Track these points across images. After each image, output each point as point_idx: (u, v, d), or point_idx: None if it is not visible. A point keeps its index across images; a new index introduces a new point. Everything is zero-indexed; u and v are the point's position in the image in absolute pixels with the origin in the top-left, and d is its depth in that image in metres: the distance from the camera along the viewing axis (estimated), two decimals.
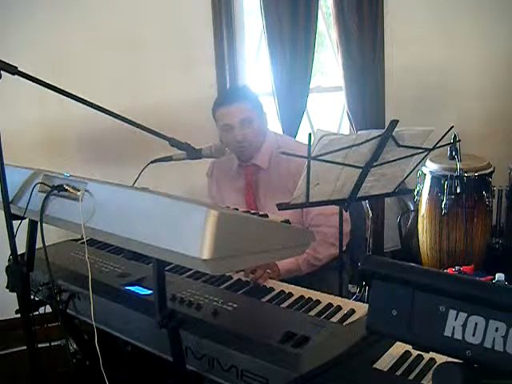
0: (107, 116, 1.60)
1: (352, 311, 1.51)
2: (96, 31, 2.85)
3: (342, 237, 1.91)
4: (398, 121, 1.66)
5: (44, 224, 1.40)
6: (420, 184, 3.20)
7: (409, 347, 1.19)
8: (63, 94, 1.52)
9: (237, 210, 1.59)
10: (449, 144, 2.93)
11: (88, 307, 1.41)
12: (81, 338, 1.91)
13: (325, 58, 3.71)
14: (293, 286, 1.72)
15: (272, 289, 1.69)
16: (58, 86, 1.50)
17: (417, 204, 3.31)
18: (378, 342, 1.31)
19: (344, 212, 1.88)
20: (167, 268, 1.70)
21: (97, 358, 1.37)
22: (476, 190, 3.08)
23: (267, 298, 1.64)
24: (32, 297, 1.60)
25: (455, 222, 3.10)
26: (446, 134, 1.79)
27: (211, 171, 2.34)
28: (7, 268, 1.54)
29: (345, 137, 1.66)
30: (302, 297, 1.62)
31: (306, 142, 1.59)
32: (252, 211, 1.61)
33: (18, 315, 1.55)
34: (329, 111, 3.83)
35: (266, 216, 1.54)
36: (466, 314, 0.91)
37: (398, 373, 1.23)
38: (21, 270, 1.51)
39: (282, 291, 1.67)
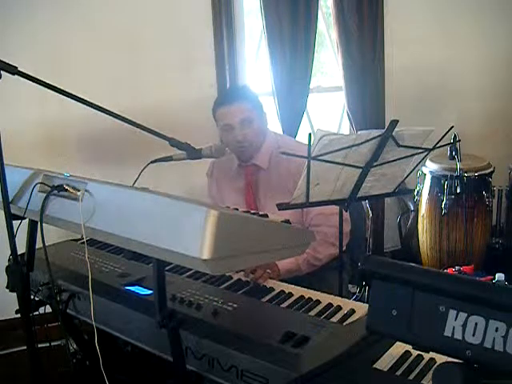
0: (107, 116, 1.60)
1: (352, 311, 1.51)
2: (96, 31, 2.85)
3: (341, 237, 1.91)
4: (397, 121, 1.66)
5: (44, 224, 1.40)
6: (420, 184, 3.20)
7: (409, 347, 1.19)
8: (63, 94, 1.52)
9: (237, 209, 1.59)
10: (449, 144, 2.93)
11: (88, 307, 1.41)
12: (81, 338, 1.91)
13: (325, 58, 3.71)
14: (293, 286, 1.72)
15: (272, 289, 1.69)
16: (58, 86, 1.50)
17: (417, 204, 3.31)
18: (377, 342, 1.31)
19: (344, 212, 1.88)
20: (167, 268, 1.70)
21: (97, 358, 1.37)
22: (476, 190, 3.08)
23: (267, 298, 1.63)
24: (32, 297, 1.60)
25: (455, 222, 3.10)
26: (446, 134, 1.79)
27: (211, 171, 2.34)
28: (7, 268, 1.54)
29: (345, 137, 1.66)
30: (301, 297, 1.62)
31: (306, 142, 1.59)
32: (252, 211, 1.61)
33: (18, 315, 1.55)
34: (329, 111, 3.83)
35: (266, 216, 1.54)
36: (466, 314, 0.91)
37: (398, 373, 1.23)
38: (21, 269, 1.51)
39: (282, 291, 1.67)
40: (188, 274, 1.77)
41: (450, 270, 2.75)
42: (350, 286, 2.30)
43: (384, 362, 1.26)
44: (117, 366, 1.66)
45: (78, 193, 1.33)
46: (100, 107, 1.57)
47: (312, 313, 1.52)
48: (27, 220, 1.54)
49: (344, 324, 1.44)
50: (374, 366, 1.25)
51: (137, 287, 1.67)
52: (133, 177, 1.81)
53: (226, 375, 1.32)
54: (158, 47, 2.99)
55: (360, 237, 2.42)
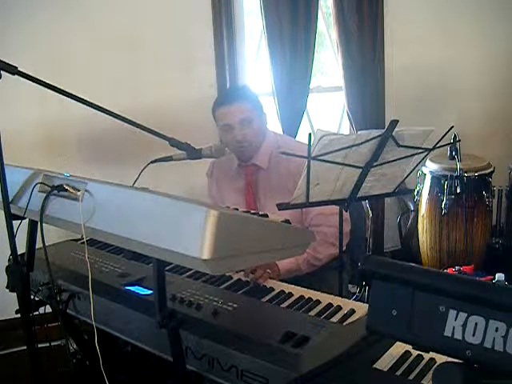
0: (107, 116, 1.60)
1: (352, 311, 1.51)
2: (96, 31, 2.85)
3: (341, 237, 1.91)
4: (397, 121, 1.66)
5: (44, 224, 1.40)
6: (420, 184, 3.20)
7: (409, 347, 1.19)
8: (63, 94, 1.52)
9: (237, 209, 1.59)
10: (449, 144, 2.93)
11: (88, 307, 1.41)
12: (81, 338, 1.91)
13: (325, 58, 3.71)
14: (293, 286, 1.72)
15: (272, 289, 1.69)
16: (58, 86, 1.50)
17: (417, 204, 3.31)
18: (377, 342, 1.31)
19: (344, 212, 1.88)
20: (167, 268, 1.70)
21: (97, 358, 1.37)
22: (476, 190, 3.08)
23: (267, 298, 1.64)
24: (32, 297, 1.60)
25: (455, 221, 3.10)
26: (446, 134, 1.79)
27: (211, 171, 2.34)
28: (7, 268, 1.54)
29: (345, 137, 1.66)
30: (301, 297, 1.62)
31: (306, 142, 1.59)
32: (252, 211, 1.61)
33: (18, 315, 1.55)
34: (329, 111, 3.83)
35: (266, 216, 1.54)
36: (466, 314, 0.91)
37: (398, 373, 1.23)
38: (21, 269, 1.51)
39: (282, 291, 1.67)
40: (188, 274, 1.77)
41: (450, 270, 2.75)
42: (350, 285, 2.30)
43: (384, 362, 1.26)
44: (117, 366, 1.66)
45: (78, 193, 1.33)
46: (100, 107, 1.57)
47: (312, 313, 1.52)
48: (27, 220, 1.54)
49: (344, 324, 1.44)
50: (374, 366, 1.25)
51: (137, 287, 1.67)
52: (133, 177, 1.81)
53: (225, 375, 1.32)
54: (158, 47, 2.99)
55: (360, 237, 2.42)
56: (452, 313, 0.92)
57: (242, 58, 3.23)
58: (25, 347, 1.56)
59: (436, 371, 0.92)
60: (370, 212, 2.54)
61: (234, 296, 1.63)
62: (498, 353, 0.87)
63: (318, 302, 1.58)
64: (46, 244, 1.49)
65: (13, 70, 1.40)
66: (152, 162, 1.88)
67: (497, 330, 0.88)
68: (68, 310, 1.74)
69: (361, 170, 1.73)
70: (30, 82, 1.45)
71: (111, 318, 1.59)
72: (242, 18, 3.20)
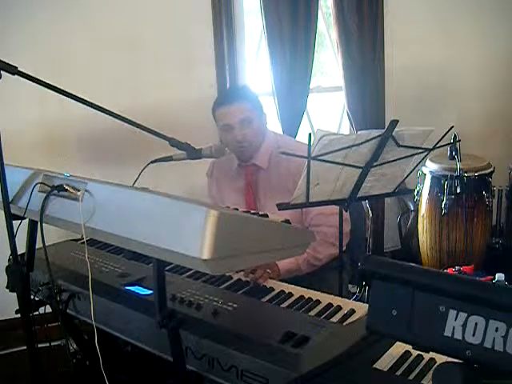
0: (107, 116, 1.60)
1: (352, 311, 1.51)
2: (96, 31, 2.85)
3: (341, 237, 1.91)
4: (397, 121, 1.66)
5: (44, 224, 1.40)
6: (420, 184, 3.20)
7: (409, 347, 1.19)
8: (63, 94, 1.52)
9: (237, 209, 1.59)
10: (449, 144, 2.93)
11: (88, 307, 1.41)
12: (81, 338, 1.91)
13: (325, 58, 3.71)
14: (293, 286, 1.72)
15: (272, 289, 1.69)
16: (58, 86, 1.50)
17: (417, 204, 3.31)
18: (377, 342, 1.31)
19: (344, 212, 1.88)
20: (167, 268, 1.70)
21: (97, 358, 1.37)
22: (476, 190, 3.08)
23: (267, 298, 1.63)
24: (32, 297, 1.60)
25: (455, 221, 3.10)
26: (446, 134, 1.79)
27: (211, 171, 2.34)
28: (7, 268, 1.54)
29: (345, 137, 1.66)
30: (301, 297, 1.62)
31: (306, 142, 1.59)
32: (252, 211, 1.61)
33: (18, 315, 1.55)
34: (329, 111, 3.83)
35: (266, 216, 1.54)
36: (466, 314, 0.91)
37: (398, 373, 1.23)
38: (21, 269, 1.51)
39: (282, 291, 1.67)
40: (188, 274, 1.77)
41: (450, 270, 2.75)
42: (350, 285, 2.30)
43: (384, 362, 1.26)
44: (117, 366, 1.66)
45: (78, 193, 1.33)
46: (100, 107, 1.57)
47: (312, 313, 1.52)
48: (27, 220, 1.54)
49: (344, 324, 1.44)
50: (374, 366, 1.25)
51: (137, 287, 1.67)
52: (133, 177, 1.81)
53: (226, 375, 1.32)
54: (158, 47, 2.99)
55: (360, 237, 2.42)
56: (452, 313, 0.92)
57: (242, 58, 3.23)
58: (25, 347, 1.56)
59: (436, 371, 0.92)
60: (370, 212, 2.54)
61: (234, 296, 1.63)
62: (498, 353, 0.87)
63: (318, 301, 1.58)
64: (46, 244, 1.49)
65: (13, 70, 1.40)
66: (152, 162, 1.88)
67: (497, 330, 0.88)
68: (68, 310, 1.74)
69: (361, 170, 1.73)
70: (30, 82, 1.45)
71: (111, 318, 1.59)
72: (242, 18, 3.20)
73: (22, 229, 1.52)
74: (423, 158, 1.85)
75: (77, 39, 2.83)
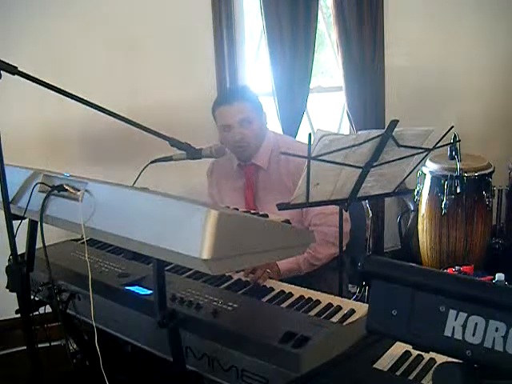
0: (107, 116, 1.60)
1: (352, 311, 1.50)
2: (96, 31, 2.85)
3: (341, 237, 1.91)
4: (398, 121, 1.66)
5: (44, 224, 1.41)
6: (420, 184, 3.20)
7: (409, 347, 1.18)
8: (63, 94, 1.51)
9: (237, 209, 1.59)
10: (449, 144, 2.93)
11: (88, 307, 1.41)
12: (81, 338, 1.91)
13: (325, 58, 3.71)
14: (293, 285, 1.71)
15: (272, 289, 1.69)
16: (58, 86, 1.50)
17: (417, 204, 3.31)
18: (377, 342, 1.31)
19: (344, 212, 1.88)
20: (167, 268, 1.69)
21: (97, 358, 1.37)
22: (476, 190, 3.09)
23: (267, 298, 1.63)
24: (32, 297, 1.61)
25: (455, 221, 3.10)
26: (446, 134, 1.79)
27: (211, 171, 2.34)
28: (7, 268, 1.54)
29: (345, 137, 1.66)
30: (301, 297, 1.62)
31: (306, 142, 1.59)
32: (252, 211, 1.61)
33: (18, 315, 1.55)
34: (329, 111, 3.83)
35: (266, 216, 1.54)
36: (466, 314, 0.91)
37: (398, 373, 1.23)
38: (21, 270, 1.51)
39: (282, 291, 1.67)
40: (188, 273, 1.77)
41: (450, 270, 2.75)
42: (350, 285, 2.30)
43: (384, 362, 1.25)
44: (117, 366, 1.66)
45: (78, 193, 1.33)
46: (100, 107, 1.57)
47: (312, 313, 1.52)
48: (27, 220, 1.54)
49: (344, 324, 1.44)
50: (374, 365, 1.24)
51: (137, 287, 1.67)
52: (133, 177, 1.81)
53: (225, 375, 1.33)
54: (158, 47, 2.99)
55: (360, 237, 2.42)
56: (452, 313, 0.92)
57: (242, 58, 3.23)
58: (25, 347, 1.56)
59: (436, 371, 0.92)
60: (370, 212, 2.54)
61: (233, 296, 1.63)
62: (498, 353, 0.87)
63: (318, 301, 1.58)
64: (46, 244, 1.49)
65: (13, 70, 1.40)
66: (152, 162, 1.88)
67: (497, 330, 0.88)
68: (68, 310, 1.74)
69: (361, 170, 1.73)
70: (30, 82, 1.45)
71: (111, 318, 1.59)
72: (242, 18, 3.20)
73: (22, 229, 1.52)
74: (423, 158, 1.85)
75: (77, 39, 2.82)
